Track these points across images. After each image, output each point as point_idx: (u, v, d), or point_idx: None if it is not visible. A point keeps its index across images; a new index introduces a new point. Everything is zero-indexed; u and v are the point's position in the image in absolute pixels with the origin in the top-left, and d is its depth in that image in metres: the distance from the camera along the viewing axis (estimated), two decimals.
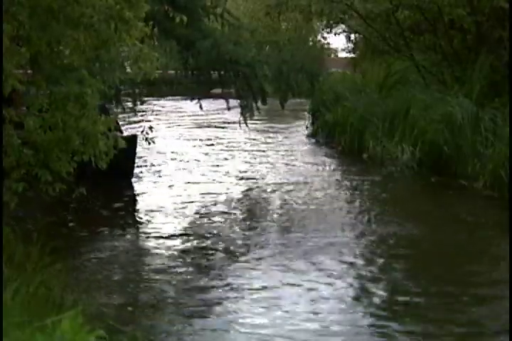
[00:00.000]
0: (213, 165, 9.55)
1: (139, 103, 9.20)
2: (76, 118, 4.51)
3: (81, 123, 4.51)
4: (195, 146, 11.56)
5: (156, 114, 14.70)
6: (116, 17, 4.28)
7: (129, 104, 9.32)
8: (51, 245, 5.45)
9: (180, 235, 6.17)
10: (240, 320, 4.23)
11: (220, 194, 7.75)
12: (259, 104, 9.13)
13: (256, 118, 10.09)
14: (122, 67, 5.02)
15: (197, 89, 9.26)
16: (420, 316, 4.30)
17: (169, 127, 13.54)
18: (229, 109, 9.31)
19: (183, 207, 7.18)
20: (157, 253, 5.65)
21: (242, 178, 8.67)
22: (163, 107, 16.68)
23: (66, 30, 4.24)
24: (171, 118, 14.93)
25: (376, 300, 4.56)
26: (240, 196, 7.60)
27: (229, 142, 12.06)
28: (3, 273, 3.58)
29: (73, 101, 4.49)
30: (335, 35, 15.54)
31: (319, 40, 21.01)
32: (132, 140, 7.74)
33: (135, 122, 12.95)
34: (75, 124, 4.51)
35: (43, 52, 4.33)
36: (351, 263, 5.27)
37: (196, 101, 9.32)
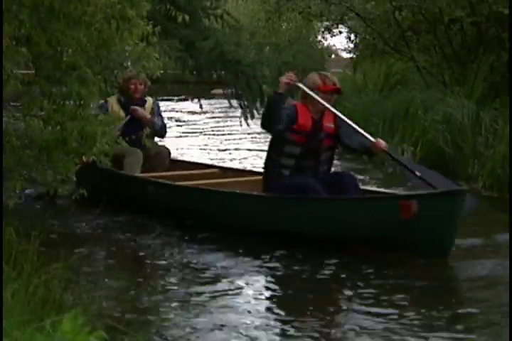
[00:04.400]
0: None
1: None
2: (73, 118, 4.51)
3: (78, 125, 4.50)
4: (193, 145, 11.53)
5: None
6: (117, 16, 4.28)
7: None
8: (51, 244, 5.47)
9: (188, 235, 6.12)
10: (249, 321, 4.21)
11: None
12: (258, 105, 9.13)
13: (255, 117, 10.07)
14: (124, 66, 5.01)
15: (197, 90, 9.28)
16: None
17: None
18: (230, 105, 9.34)
19: None
20: (160, 253, 5.64)
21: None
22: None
23: (67, 29, 4.23)
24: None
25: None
26: None
27: (226, 141, 12.06)
28: (3, 272, 3.58)
29: (73, 101, 4.49)
30: (333, 36, 15.49)
31: (319, 41, 21.00)
32: (455, 197, 5.13)
33: None
34: (74, 124, 4.50)
35: (43, 52, 4.32)
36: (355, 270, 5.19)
37: (196, 101, 9.39)
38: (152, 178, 6.69)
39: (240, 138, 12.40)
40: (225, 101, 9.47)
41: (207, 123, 14.84)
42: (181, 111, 16.52)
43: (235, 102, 9.15)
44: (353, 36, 16.41)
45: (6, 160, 4.36)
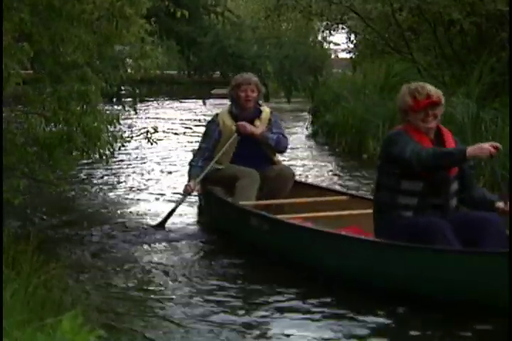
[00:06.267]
0: None
1: (138, 102, 9.13)
2: (78, 116, 4.52)
3: (83, 121, 4.52)
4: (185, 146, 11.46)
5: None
6: (117, 14, 4.28)
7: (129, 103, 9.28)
8: (50, 244, 5.47)
9: (189, 237, 6.08)
10: (251, 319, 4.20)
11: None
12: (262, 101, 9.14)
13: None
14: (123, 65, 5.02)
15: (198, 89, 9.30)
16: None
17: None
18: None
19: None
20: (160, 253, 5.63)
21: None
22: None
23: (68, 27, 4.24)
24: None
25: None
26: None
27: None
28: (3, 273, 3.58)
29: (76, 100, 4.50)
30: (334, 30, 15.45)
31: (319, 41, 21.00)
32: None
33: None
34: (77, 122, 4.52)
35: (45, 50, 4.33)
36: None
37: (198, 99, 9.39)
38: (256, 209, 5.75)
39: None
40: (227, 101, 9.47)
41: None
42: (183, 112, 16.50)
43: None
44: (353, 36, 16.42)
45: (8, 158, 4.37)
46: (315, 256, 4.97)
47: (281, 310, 4.35)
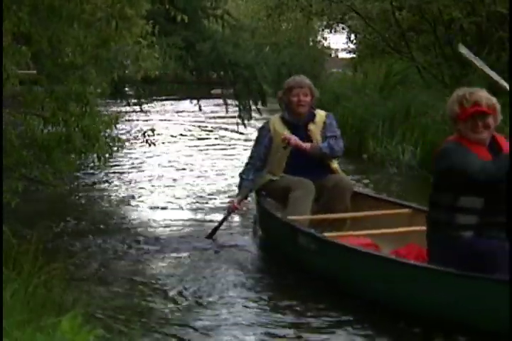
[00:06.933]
0: (211, 166, 9.53)
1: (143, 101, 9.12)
2: (77, 117, 4.53)
3: (82, 122, 4.53)
4: (189, 146, 11.47)
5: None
6: (116, 15, 4.29)
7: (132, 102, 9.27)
8: (51, 245, 5.47)
9: (189, 236, 6.10)
10: (251, 322, 4.20)
11: (220, 196, 7.75)
12: (259, 105, 9.17)
13: (256, 117, 10.05)
14: (121, 65, 5.02)
15: (197, 89, 9.30)
16: None
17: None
18: (227, 111, 9.28)
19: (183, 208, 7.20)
20: (161, 253, 5.63)
21: None
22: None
23: (66, 28, 4.25)
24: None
25: None
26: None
27: (225, 143, 12.01)
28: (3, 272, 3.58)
29: (74, 100, 4.51)
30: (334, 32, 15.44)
31: (319, 41, 21.02)
32: None
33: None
34: (76, 123, 4.53)
35: (44, 51, 4.34)
36: None
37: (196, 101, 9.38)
38: (310, 224, 5.44)
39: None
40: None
41: (206, 124, 14.80)
42: (181, 112, 16.51)
43: (234, 103, 9.18)
44: (353, 36, 16.45)
45: (6, 159, 4.38)
46: (363, 279, 4.56)
47: (323, 333, 4.13)
